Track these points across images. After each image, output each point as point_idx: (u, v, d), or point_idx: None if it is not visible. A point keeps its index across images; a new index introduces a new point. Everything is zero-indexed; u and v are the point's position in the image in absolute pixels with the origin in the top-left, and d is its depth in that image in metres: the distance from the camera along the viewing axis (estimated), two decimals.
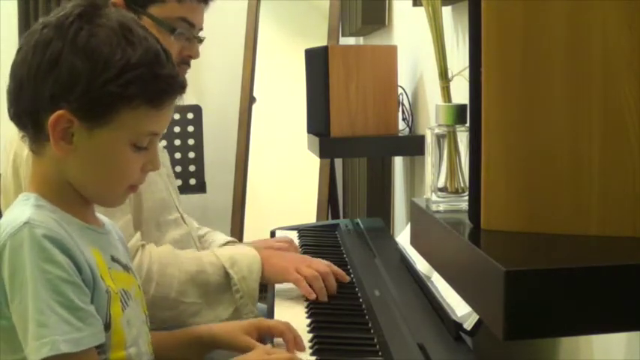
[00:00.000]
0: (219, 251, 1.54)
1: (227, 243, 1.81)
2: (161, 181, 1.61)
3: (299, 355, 1.23)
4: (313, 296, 1.49)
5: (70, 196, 1.08)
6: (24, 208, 1.03)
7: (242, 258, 1.53)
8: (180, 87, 1.10)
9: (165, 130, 1.15)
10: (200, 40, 1.66)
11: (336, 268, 1.59)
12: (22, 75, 1.04)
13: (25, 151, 1.36)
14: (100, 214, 1.18)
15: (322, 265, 1.57)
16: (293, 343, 1.25)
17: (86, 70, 1.01)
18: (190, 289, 1.47)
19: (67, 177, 1.07)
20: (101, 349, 1.03)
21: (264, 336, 1.30)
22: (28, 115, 1.05)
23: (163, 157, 1.72)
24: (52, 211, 1.04)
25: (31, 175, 1.10)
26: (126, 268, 1.15)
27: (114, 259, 1.12)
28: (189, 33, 1.60)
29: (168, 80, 1.07)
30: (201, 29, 1.65)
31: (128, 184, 1.10)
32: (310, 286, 1.51)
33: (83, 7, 1.05)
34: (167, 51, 1.09)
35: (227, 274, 1.51)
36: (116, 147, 1.06)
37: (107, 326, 1.04)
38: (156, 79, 1.05)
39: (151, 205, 1.53)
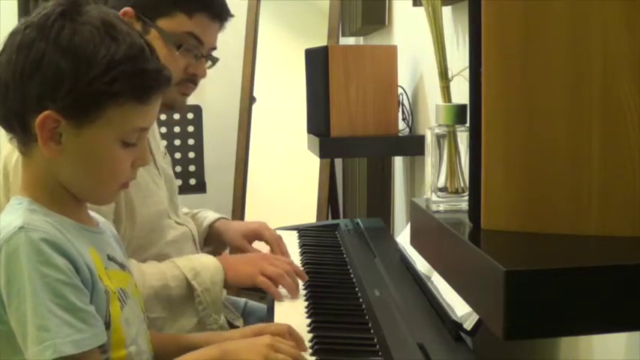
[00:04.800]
0: (181, 263, 1.53)
1: (219, 219, 1.84)
2: (160, 192, 1.60)
3: None
4: (282, 300, 1.51)
5: (63, 196, 1.08)
6: (17, 214, 1.03)
7: (205, 269, 1.53)
8: (166, 81, 1.09)
9: (152, 126, 1.14)
10: (211, 59, 1.63)
11: (296, 266, 1.61)
12: (6, 77, 1.03)
13: (15, 156, 1.36)
14: (93, 212, 1.18)
15: (285, 262, 1.59)
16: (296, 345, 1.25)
17: (71, 69, 1.00)
18: (154, 304, 1.46)
19: (58, 177, 1.07)
20: (102, 348, 1.03)
21: None
22: (15, 118, 1.04)
23: (164, 162, 1.72)
24: (45, 215, 1.04)
25: (22, 178, 1.09)
26: (122, 266, 1.15)
27: (110, 258, 1.12)
28: (198, 50, 1.58)
29: (153, 75, 1.06)
30: (213, 49, 1.63)
31: (120, 181, 1.10)
32: (278, 284, 1.53)
33: (64, 5, 1.04)
34: (151, 45, 1.08)
35: (190, 286, 1.50)
36: (105, 145, 1.05)
37: (107, 326, 1.04)
38: (141, 74, 1.04)
39: (145, 218, 1.53)
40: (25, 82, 1.02)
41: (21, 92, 1.02)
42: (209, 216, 1.86)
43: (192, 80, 1.62)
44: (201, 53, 1.59)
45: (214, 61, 1.66)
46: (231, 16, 1.63)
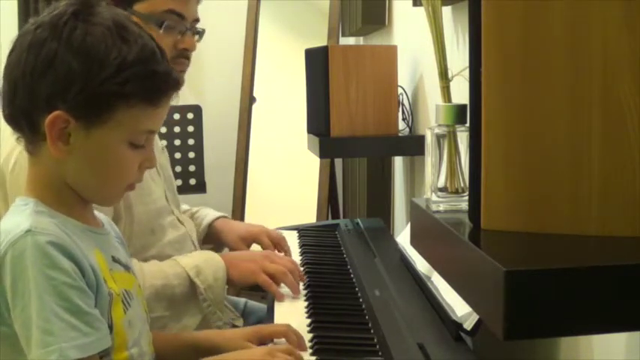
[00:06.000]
0: (183, 260, 1.53)
1: (219, 218, 1.84)
2: (158, 190, 1.60)
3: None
4: (283, 299, 1.51)
5: (69, 197, 1.08)
6: (24, 215, 1.02)
7: (207, 266, 1.52)
8: (176, 84, 1.09)
9: (160, 128, 1.14)
10: (197, 33, 1.63)
11: (298, 266, 1.61)
12: (16, 76, 1.03)
13: (12, 162, 1.35)
14: (97, 212, 1.18)
15: (287, 260, 1.59)
16: (297, 344, 1.25)
17: (82, 69, 1.01)
18: (156, 303, 1.46)
19: (64, 178, 1.06)
20: (105, 351, 1.02)
21: (266, 343, 1.29)
22: (23, 117, 1.04)
23: (163, 158, 1.72)
24: (52, 217, 1.04)
25: (28, 178, 1.09)
26: (126, 267, 1.15)
27: (115, 260, 1.12)
28: (181, 26, 1.57)
29: (164, 77, 1.06)
30: (196, 21, 1.62)
31: (126, 182, 1.10)
32: (280, 282, 1.54)
33: (76, 5, 1.04)
34: (161, 48, 1.09)
35: (192, 284, 1.50)
36: (113, 146, 1.05)
37: (109, 329, 1.04)
38: (152, 76, 1.05)
39: (143, 216, 1.53)
40: (36, 81, 1.02)
41: (31, 91, 1.02)
42: (209, 214, 1.86)
43: (184, 55, 1.61)
44: (185, 27, 1.59)
45: (201, 34, 1.64)
46: None
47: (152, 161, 1.11)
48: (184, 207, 1.83)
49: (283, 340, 1.27)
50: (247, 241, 1.80)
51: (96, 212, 1.17)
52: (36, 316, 0.95)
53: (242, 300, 1.90)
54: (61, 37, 1.02)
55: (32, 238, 0.98)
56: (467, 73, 0.83)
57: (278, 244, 1.79)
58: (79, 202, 1.09)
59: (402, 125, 2.28)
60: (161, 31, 1.54)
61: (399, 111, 2.24)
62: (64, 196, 1.07)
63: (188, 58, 1.62)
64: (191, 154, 3.19)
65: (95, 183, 1.08)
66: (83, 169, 1.06)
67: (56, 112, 1.01)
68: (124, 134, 1.05)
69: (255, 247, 1.83)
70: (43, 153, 1.05)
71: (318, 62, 2.19)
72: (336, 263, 1.76)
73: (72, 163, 1.05)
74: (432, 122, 1.66)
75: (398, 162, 2.68)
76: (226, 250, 1.88)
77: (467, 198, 0.89)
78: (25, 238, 0.98)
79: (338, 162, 3.51)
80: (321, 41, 3.35)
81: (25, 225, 0.99)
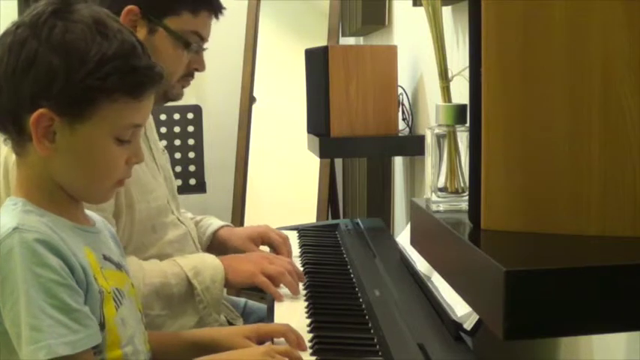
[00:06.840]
0: (182, 261, 1.54)
1: (223, 227, 1.83)
2: (159, 189, 1.60)
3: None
4: (283, 299, 1.51)
5: (59, 196, 1.08)
6: (12, 215, 1.03)
7: (205, 268, 1.53)
8: (159, 77, 1.09)
9: (146, 122, 1.14)
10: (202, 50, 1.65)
11: (296, 267, 1.61)
12: None
13: (14, 156, 1.36)
14: (91, 212, 1.18)
15: (285, 261, 1.59)
16: (296, 343, 1.25)
17: (63, 66, 1.01)
18: (154, 301, 1.46)
19: (53, 176, 1.07)
20: (97, 349, 1.03)
21: (265, 341, 1.29)
22: (8, 118, 1.05)
23: (163, 159, 1.72)
24: (40, 215, 1.04)
25: (17, 178, 1.10)
26: (118, 266, 1.15)
27: (106, 258, 1.12)
28: (199, 47, 1.59)
29: (145, 71, 1.07)
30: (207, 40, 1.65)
31: (114, 179, 1.10)
32: (279, 283, 1.54)
33: (56, 4, 1.05)
34: (142, 43, 1.09)
35: (190, 285, 1.50)
36: (99, 142, 1.05)
37: (101, 326, 1.04)
38: (133, 70, 1.05)
39: (144, 213, 1.53)
40: (18, 81, 1.02)
41: (14, 92, 1.03)
42: (213, 223, 1.85)
43: (191, 74, 1.63)
44: (201, 48, 1.60)
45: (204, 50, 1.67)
46: (224, 8, 1.64)
47: (139, 156, 1.11)
48: (188, 215, 1.82)
49: (282, 339, 1.27)
50: (256, 240, 1.80)
51: (89, 212, 1.18)
52: (24, 313, 0.96)
53: (242, 300, 1.90)
54: (41, 36, 1.02)
55: (20, 236, 0.98)
56: (467, 73, 0.83)
57: (284, 242, 1.79)
58: (69, 202, 1.10)
59: (402, 125, 2.28)
60: (185, 52, 1.55)
61: (399, 111, 2.24)
62: (54, 195, 1.07)
63: (193, 76, 1.64)
64: (191, 154, 3.20)
65: (83, 180, 1.08)
66: (70, 167, 1.06)
67: (40, 110, 1.01)
68: (108, 130, 1.05)
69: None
70: (31, 153, 1.06)
71: (318, 62, 2.19)
72: (336, 263, 1.76)
73: (59, 162, 1.05)
74: (432, 122, 1.66)
75: (398, 162, 2.68)
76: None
77: (467, 198, 0.90)
78: (13, 236, 0.98)
79: (338, 162, 3.51)
80: (321, 41, 3.35)
81: (12, 223, 1.00)
